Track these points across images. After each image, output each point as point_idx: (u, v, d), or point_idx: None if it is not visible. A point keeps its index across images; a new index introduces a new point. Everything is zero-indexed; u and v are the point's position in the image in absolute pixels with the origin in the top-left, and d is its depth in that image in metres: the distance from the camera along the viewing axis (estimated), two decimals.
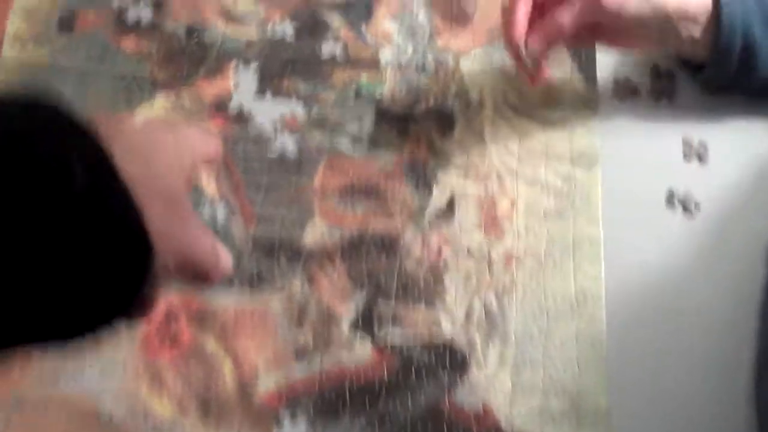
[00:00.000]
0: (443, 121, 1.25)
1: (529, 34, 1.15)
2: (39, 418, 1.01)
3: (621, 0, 1.09)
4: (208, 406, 1.01)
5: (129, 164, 0.47)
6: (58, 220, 0.42)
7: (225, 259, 0.62)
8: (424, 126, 1.25)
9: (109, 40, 1.27)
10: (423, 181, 1.19)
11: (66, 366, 1.04)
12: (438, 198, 1.16)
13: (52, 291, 0.43)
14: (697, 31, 1.14)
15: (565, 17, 1.10)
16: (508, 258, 1.12)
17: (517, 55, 1.15)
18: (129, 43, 1.27)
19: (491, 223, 1.14)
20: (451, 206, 1.18)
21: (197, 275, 0.58)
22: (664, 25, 1.13)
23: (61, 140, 0.44)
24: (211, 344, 1.03)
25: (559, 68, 1.29)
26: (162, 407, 1.01)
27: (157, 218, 0.49)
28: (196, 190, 1.16)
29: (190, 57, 1.27)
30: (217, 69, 1.27)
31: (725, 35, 1.11)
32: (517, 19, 1.11)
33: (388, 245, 1.11)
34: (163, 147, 0.57)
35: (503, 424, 1.04)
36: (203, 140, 0.65)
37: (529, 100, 1.27)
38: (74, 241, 0.43)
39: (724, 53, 1.14)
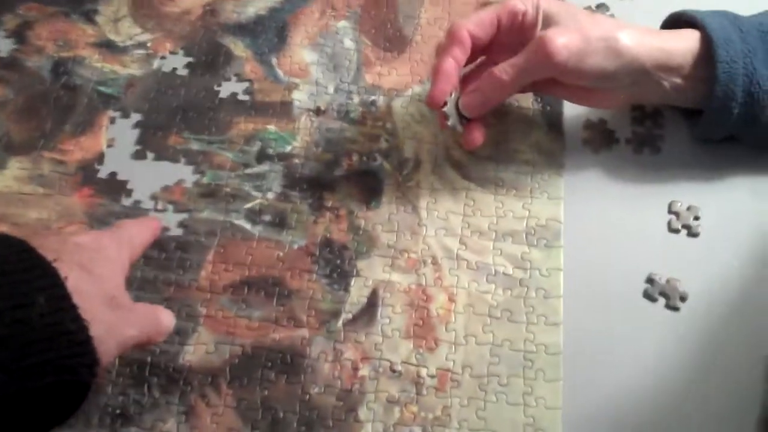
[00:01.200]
0: (368, 185, 1.05)
1: (463, 90, 0.96)
2: None
3: (578, 54, 0.84)
4: None
5: (76, 278, 0.61)
6: (21, 343, 0.55)
7: (166, 321, 0.79)
8: (343, 193, 1.04)
9: None
10: (339, 272, 0.98)
11: None
12: (356, 294, 0.96)
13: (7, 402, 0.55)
14: (685, 80, 0.94)
15: (509, 74, 0.85)
16: (442, 377, 0.91)
17: (440, 116, 0.97)
18: None
19: (423, 329, 0.94)
20: (372, 306, 0.96)
21: (144, 344, 0.74)
22: (640, 78, 0.87)
23: (26, 274, 0.58)
24: None
25: (518, 108, 1.09)
26: None
27: (101, 317, 0.63)
28: None
29: (55, 104, 1.09)
30: (88, 122, 1.06)
31: (723, 82, 0.87)
32: (444, 70, 0.87)
33: (290, 363, 0.91)
34: (104, 253, 0.70)
35: None
36: (140, 229, 0.83)
37: (478, 156, 1.06)
38: (32, 360, 0.56)
39: (723, 103, 0.93)
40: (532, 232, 1.00)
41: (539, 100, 1.09)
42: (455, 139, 1.05)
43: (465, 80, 0.97)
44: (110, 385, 0.89)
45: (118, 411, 0.89)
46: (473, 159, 1.06)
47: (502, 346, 0.93)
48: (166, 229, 0.96)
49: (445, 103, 0.95)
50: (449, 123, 0.98)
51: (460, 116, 0.95)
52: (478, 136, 0.96)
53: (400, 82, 1.10)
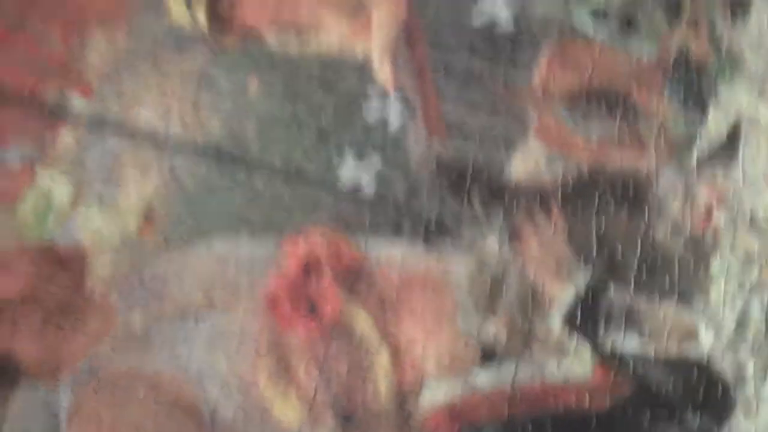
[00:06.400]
0: None
1: None
2: (118, 401, 0.78)
3: None
4: (349, 419, 0.71)
5: None
6: None
7: None
8: (705, 1, 0.87)
9: None
10: (695, 93, 0.86)
11: (160, 331, 0.80)
12: (715, 124, 0.84)
13: None
14: None
15: None
16: None
17: None
18: None
19: None
20: (733, 140, 0.85)
21: None
22: None
23: None
24: (362, 321, 0.73)
25: None
26: (287, 409, 0.78)
27: None
28: (361, 77, 0.85)
29: None
30: None
31: None
32: None
33: (633, 193, 0.82)
34: None
35: None
36: None
37: None
38: None
39: None
40: None
41: None
42: None
43: None
44: (426, 189, 0.78)
45: (433, 220, 0.80)
46: None
47: None
48: (493, 14, 0.85)
49: None
50: None
51: None
52: None
53: None
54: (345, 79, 0.84)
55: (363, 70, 0.85)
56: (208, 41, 0.85)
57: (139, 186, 0.79)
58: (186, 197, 0.80)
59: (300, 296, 0.78)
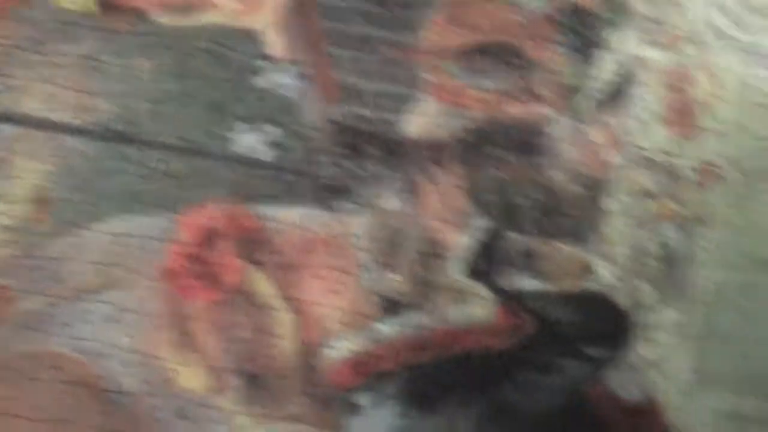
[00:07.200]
0: None
1: None
2: (20, 384, 0.78)
3: None
4: (255, 381, 0.73)
5: None
6: None
7: None
8: None
9: None
10: (586, 41, 0.88)
11: (59, 312, 0.79)
12: (606, 70, 0.86)
13: None
14: None
15: None
16: (705, 171, 0.83)
17: None
18: None
19: (683, 116, 0.85)
20: (624, 85, 0.87)
21: None
22: None
23: None
24: (264, 286, 0.74)
25: None
26: (191, 378, 0.78)
27: None
28: (254, 49, 0.87)
29: None
30: None
31: None
32: None
33: (529, 143, 0.83)
34: None
35: (675, 429, 0.78)
36: None
37: None
38: None
39: None
40: None
41: None
42: None
43: None
44: (323, 153, 0.79)
45: (331, 183, 0.82)
46: None
47: None
48: None
49: None
50: None
51: None
52: None
53: None
54: (237, 51, 0.85)
55: (255, 42, 0.86)
56: (97, 25, 0.86)
57: (31, 172, 0.80)
58: (79, 180, 0.81)
59: (199, 267, 0.79)
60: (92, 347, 0.78)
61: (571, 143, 0.82)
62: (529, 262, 0.80)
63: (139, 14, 0.86)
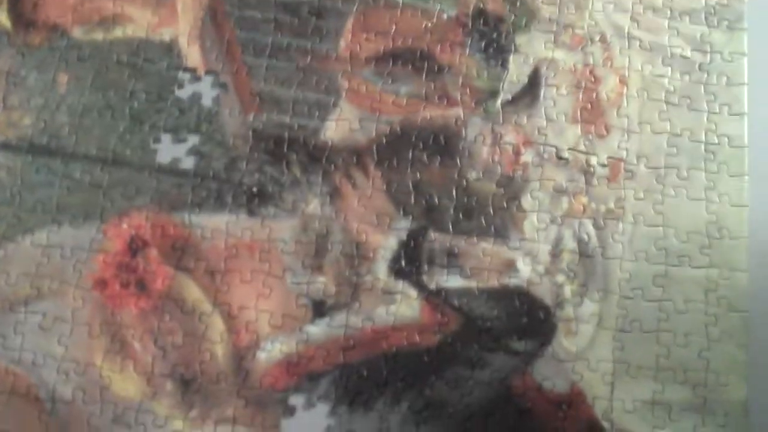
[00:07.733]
0: None
1: None
2: None
3: None
4: (188, 385, 0.74)
5: None
6: None
7: None
8: None
9: None
10: (495, 46, 0.91)
11: None
12: (516, 72, 0.89)
13: None
14: None
15: None
16: (615, 167, 0.86)
17: None
18: None
19: (592, 113, 0.89)
20: (534, 85, 0.90)
21: None
22: None
23: None
24: (193, 292, 0.75)
25: None
26: (125, 384, 0.79)
27: None
28: (171, 60, 0.90)
29: None
30: None
31: None
32: None
33: (444, 144, 0.86)
34: None
35: (599, 418, 0.81)
36: None
37: None
38: None
39: None
40: (712, 11, 0.93)
41: None
42: None
43: None
44: (245, 160, 0.81)
45: (254, 189, 0.83)
46: None
47: (681, 136, 0.88)
48: None
49: None
50: None
51: None
52: None
53: None
54: (155, 62, 0.87)
55: (172, 53, 0.87)
56: (13, 41, 0.87)
57: None
58: (6, 194, 0.82)
59: (127, 276, 0.80)
60: (26, 357, 0.79)
61: (486, 144, 0.84)
62: (452, 260, 0.82)
63: (54, 29, 0.87)
